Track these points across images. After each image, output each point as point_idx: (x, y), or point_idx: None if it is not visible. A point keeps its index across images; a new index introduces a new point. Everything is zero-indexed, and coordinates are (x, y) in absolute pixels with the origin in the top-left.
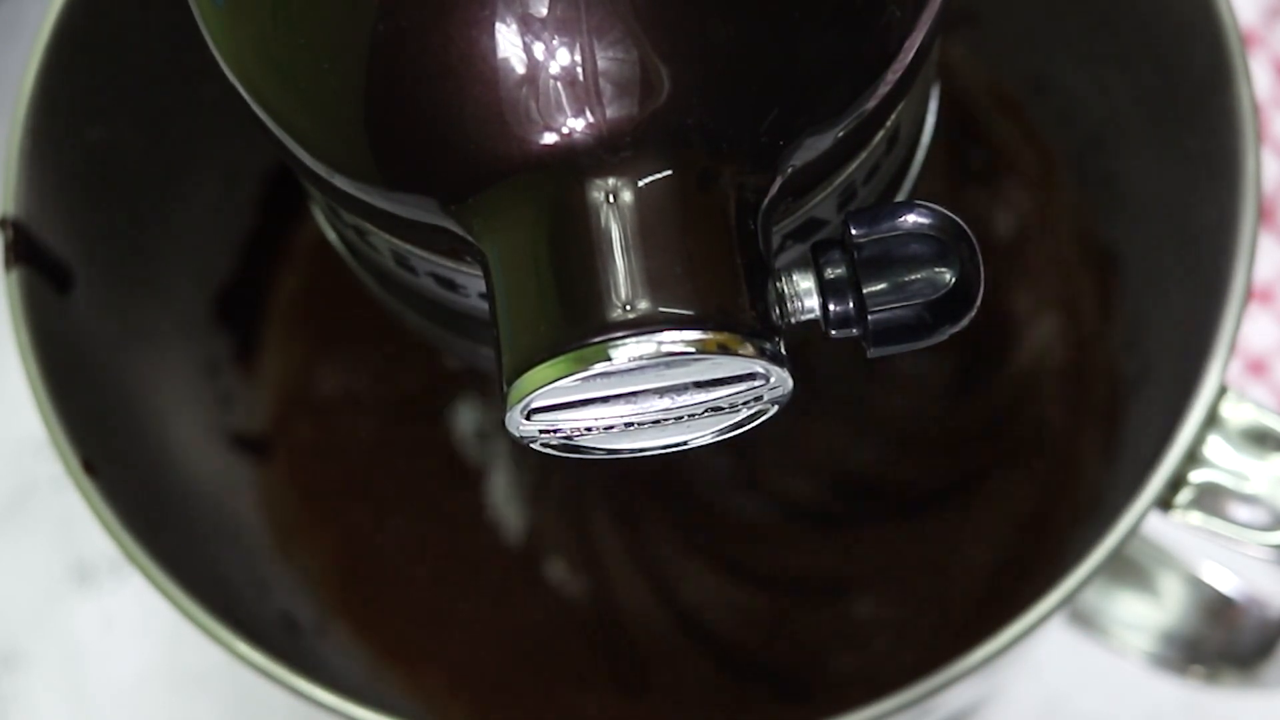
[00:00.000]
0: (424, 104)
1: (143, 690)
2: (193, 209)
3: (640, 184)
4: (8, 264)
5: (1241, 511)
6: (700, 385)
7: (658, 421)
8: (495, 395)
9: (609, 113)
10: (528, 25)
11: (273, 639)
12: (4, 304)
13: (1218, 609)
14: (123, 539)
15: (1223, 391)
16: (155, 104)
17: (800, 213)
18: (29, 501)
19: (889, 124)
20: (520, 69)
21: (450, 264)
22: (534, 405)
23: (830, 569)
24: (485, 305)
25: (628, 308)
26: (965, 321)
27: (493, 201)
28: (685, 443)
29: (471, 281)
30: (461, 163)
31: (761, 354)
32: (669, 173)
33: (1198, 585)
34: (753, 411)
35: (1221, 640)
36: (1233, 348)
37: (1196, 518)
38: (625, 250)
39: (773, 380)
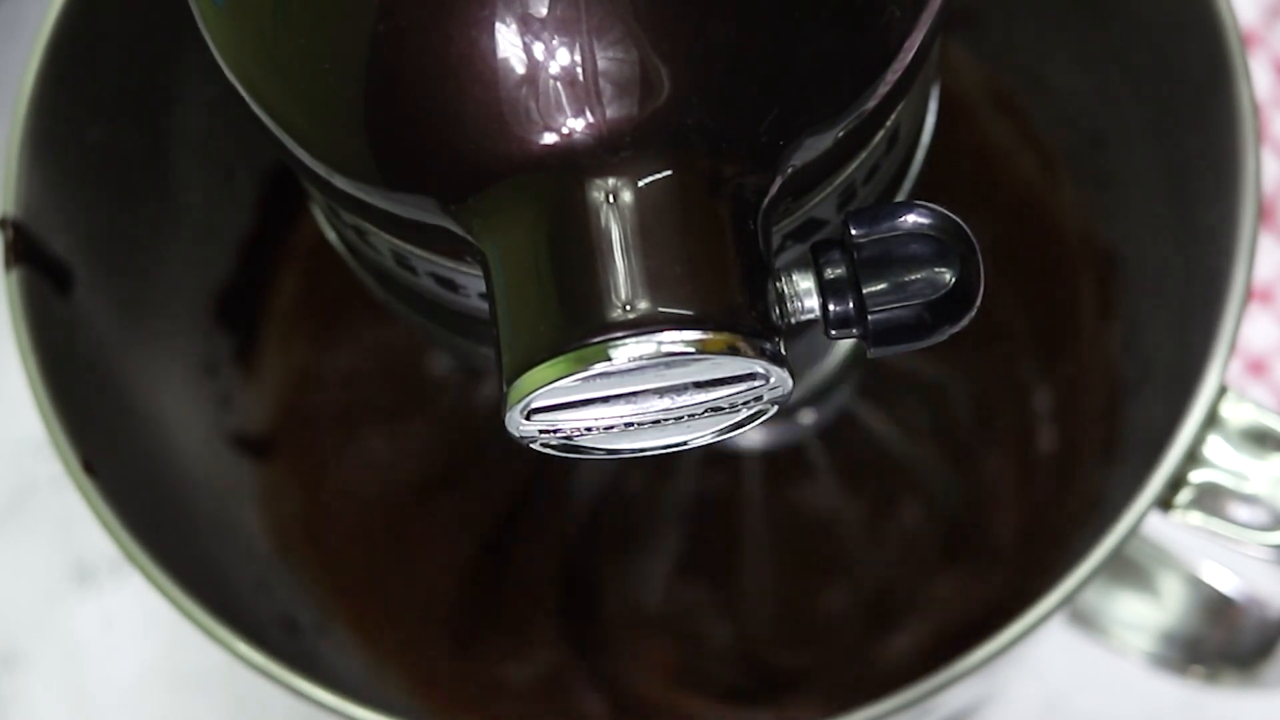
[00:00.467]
0: (424, 104)
1: (143, 690)
2: (193, 209)
3: (640, 184)
4: (8, 264)
5: (1241, 511)
6: (700, 385)
7: (658, 421)
8: (496, 394)
9: (609, 113)
10: (528, 25)
11: (273, 639)
12: (4, 304)
13: (1218, 609)
14: (123, 539)
15: (1223, 391)
16: (155, 104)
17: (800, 213)
18: (29, 501)
19: (889, 124)
20: (520, 69)
21: (450, 264)
22: (534, 405)
23: (830, 567)
24: (485, 305)
25: (628, 308)
26: (965, 321)
27: (493, 201)
28: (685, 443)
29: (471, 281)
30: (461, 163)
31: (761, 354)
32: (669, 173)
33: (1198, 585)
34: (753, 411)
35: (1221, 640)
36: (1233, 348)
37: (1196, 518)
38: (625, 250)
39: (773, 380)
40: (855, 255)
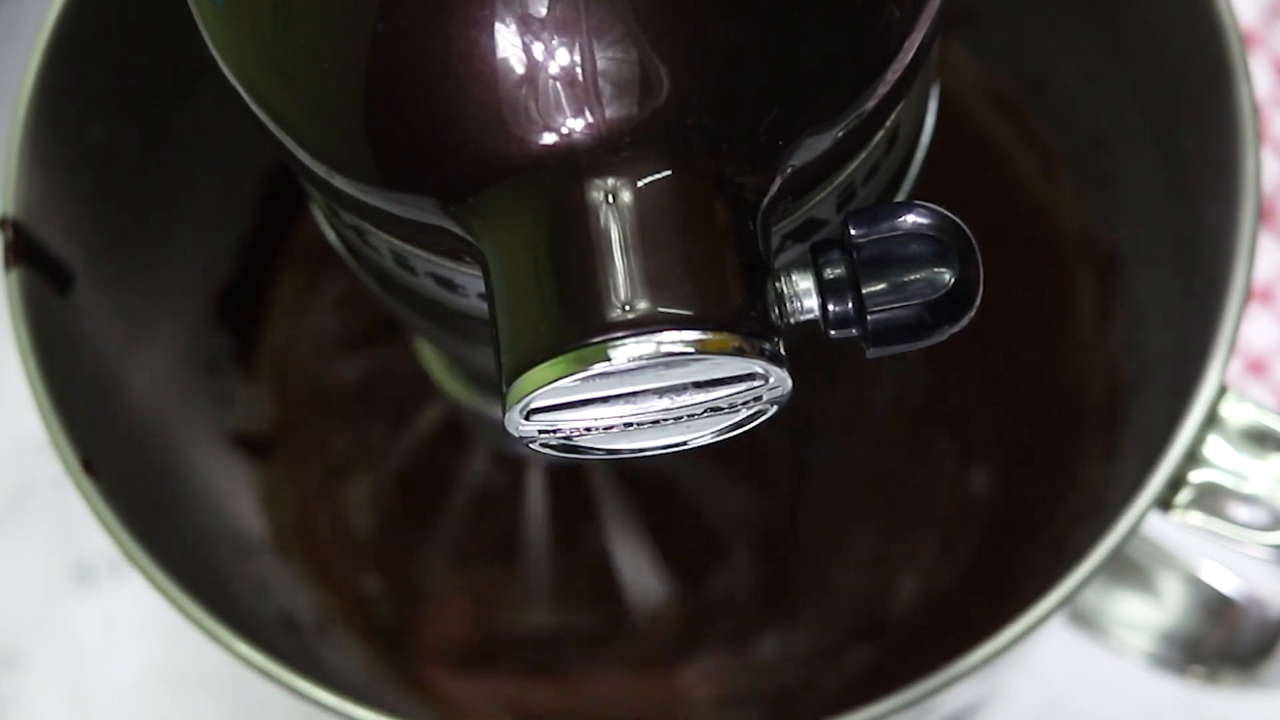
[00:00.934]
0: (424, 104)
1: (143, 690)
2: (192, 209)
3: (640, 184)
4: (8, 264)
5: (1241, 511)
6: (700, 385)
7: (657, 421)
8: (496, 395)
9: (608, 113)
10: (527, 25)
11: (273, 639)
12: (4, 304)
13: (1218, 609)
14: (123, 539)
15: (1223, 391)
16: (155, 104)
17: (800, 213)
18: (29, 501)
19: (889, 124)
20: (520, 69)
21: (450, 264)
22: (533, 405)
23: (832, 566)
24: (485, 305)
25: (627, 308)
26: (965, 321)
27: (492, 202)
28: (685, 443)
29: (471, 281)
30: (461, 163)
31: (761, 354)
32: (668, 173)
33: (1198, 585)
34: (752, 412)
35: (1221, 640)
36: (1233, 348)
37: (1196, 518)
38: (625, 250)
39: (772, 380)
40: (855, 255)
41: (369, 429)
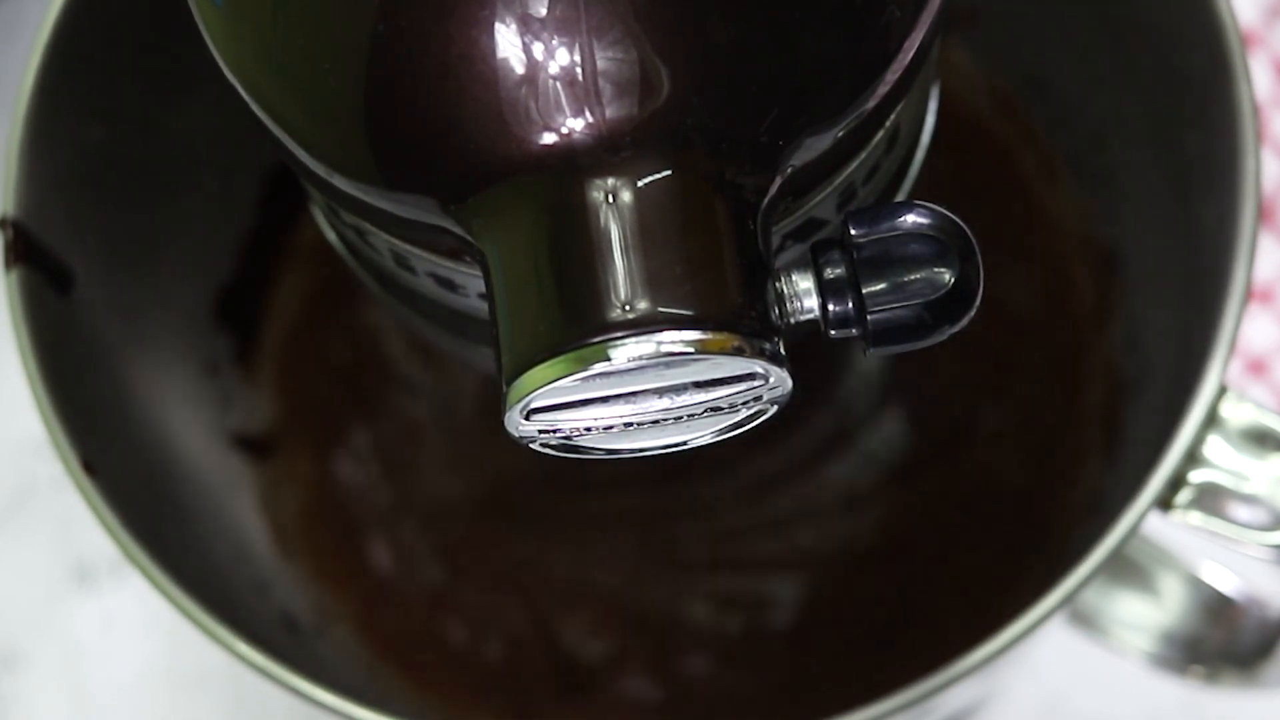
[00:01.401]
0: (424, 104)
1: (143, 690)
2: (193, 209)
3: (640, 184)
4: (8, 264)
5: (1241, 511)
6: (700, 385)
7: (657, 421)
8: (497, 394)
9: (609, 113)
10: (527, 25)
11: (273, 639)
12: (4, 304)
13: (1218, 609)
14: (123, 539)
15: (1223, 391)
16: (155, 104)
17: (800, 213)
18: (29, 501)
19: (889, 124)
20: (520, 69)
21: (450, 264)
22: (533, 405)
23: (832, 566)
24: (485, 305)
25: (627, 308)
26: (965, 321)
27: (492, 202)
28: (685, 443)
29: (471, 281)
30: (461, 163)
31: (761, 354)
32: (669, 173)
33: (1198, 585)
34: (752, 411)
35: (1221, 640)
36: (1233, 348)
37: (1196, 518)
38: (625, 250)
39: (772, 380)
40: (855, 255)
41: (369, 428)
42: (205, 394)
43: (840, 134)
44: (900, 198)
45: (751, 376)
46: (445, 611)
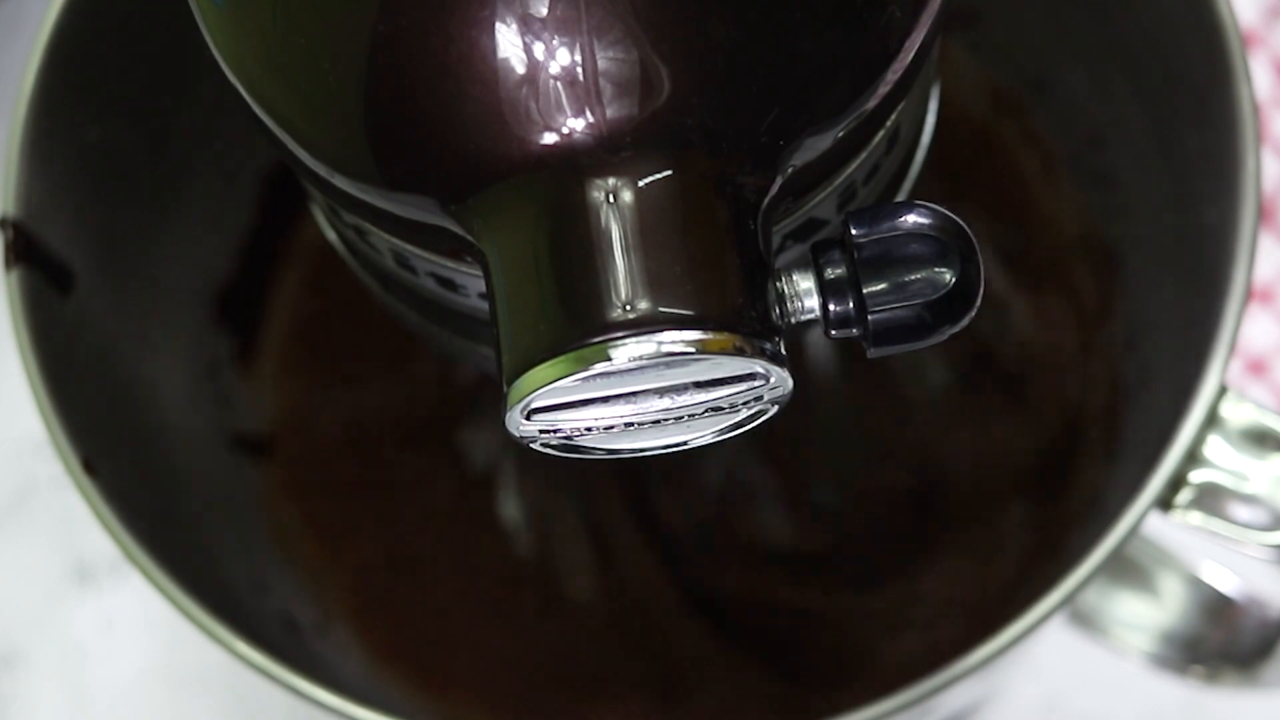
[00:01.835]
0: (424, 104)
1: (143, 690)
2: (193, 209)
3: (640, 184)
4: (8, 264)
5: (1241, 511)
6: (700, 385)
7: (658, 421)
8: (497, 395)
9: (609, 113)
10: (528, 25)
11: (273, 639)
12: (4, 304)
13: (1218, 609)
14: (123, 539)
15: (1223, 391)
16: (155, 104)
17: (800, 213)
18: (29, 501)
19: (889, 124)
20: (520, 69)
21: (450, 264)
22: (534, 405)
23: (831, 567)
24: (485, 305)
25: (628, 308)
26: (965, 321)
27: (493, 202)
28: (685, 443)
29: (471, 281)
30: (461, 163)
31: (761, 354)
32: (669, 173)
33: (1198, 585)
34: (753, 411)
35: (1221, 640)
36: (1233, 348)
37: (1196, 518)
38: (625, 250)
39: (773, 380)
40: (855, 255)
41: (369, 428)
42: (205, 394)
43: (841, 134)
44: (900, 198)
45: (752, 376)
46: (445, 611)
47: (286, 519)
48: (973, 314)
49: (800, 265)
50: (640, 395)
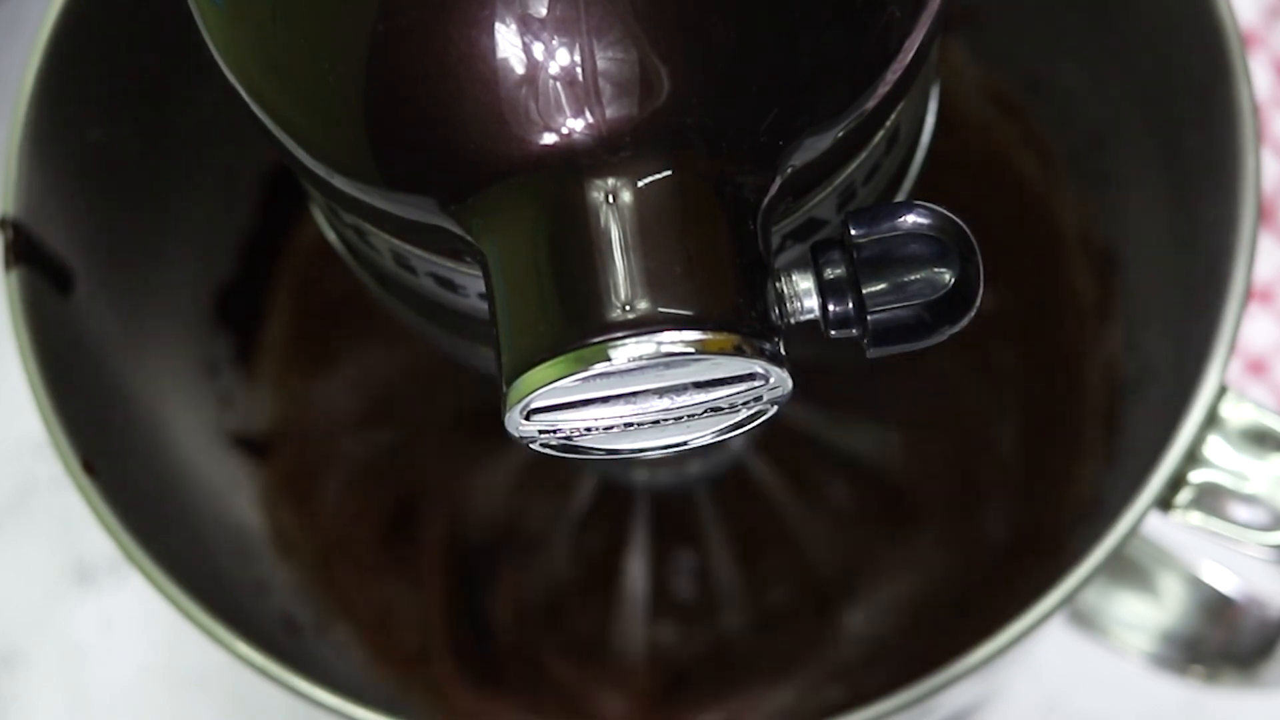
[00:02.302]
0: (423, 104)
1: (143, 690)
2: (192, 209)
3: (640, 184)
4: (8, 264)
5: (1241, 511)
6: (700, 385)
7: (657, 422)
8: (496, 395)
9: (609, 113)
10: (527, 25)
11: (273, 639)
12: (4, 304)
13: (1218, 609)
14: (123, 539)
15: (1223, 391)
16: (155, 104)
17: (800, 213)
18: (29, 501)
19: (889, 124)
20: (520, 69)
21: (450, 264)
22: (533, 405)
23: (832, 567)
24: (485, 305)
25: (627, 308)
26: (965, 322)
27: (492, 201)
28: (685, 443)
29: (471, 281)
30: (461, 163)
31: (761, 354)
32: (669, 173)
33: (1198, 585)
34: (752, 412)
35: (1221, 640)
36: (1233, 348)
37: (1196, 518)
38: (625, 250)
39: (772, 380)
40: (855, 255)
41: (368, 428)
42: (205, 394)
43: (840, 134)
44: (900, 198)
45: (752, 376)
46: (445, 611)
47: (286, 519)
48: (972, 314)
49: (800, 265)
50: (640, 395)
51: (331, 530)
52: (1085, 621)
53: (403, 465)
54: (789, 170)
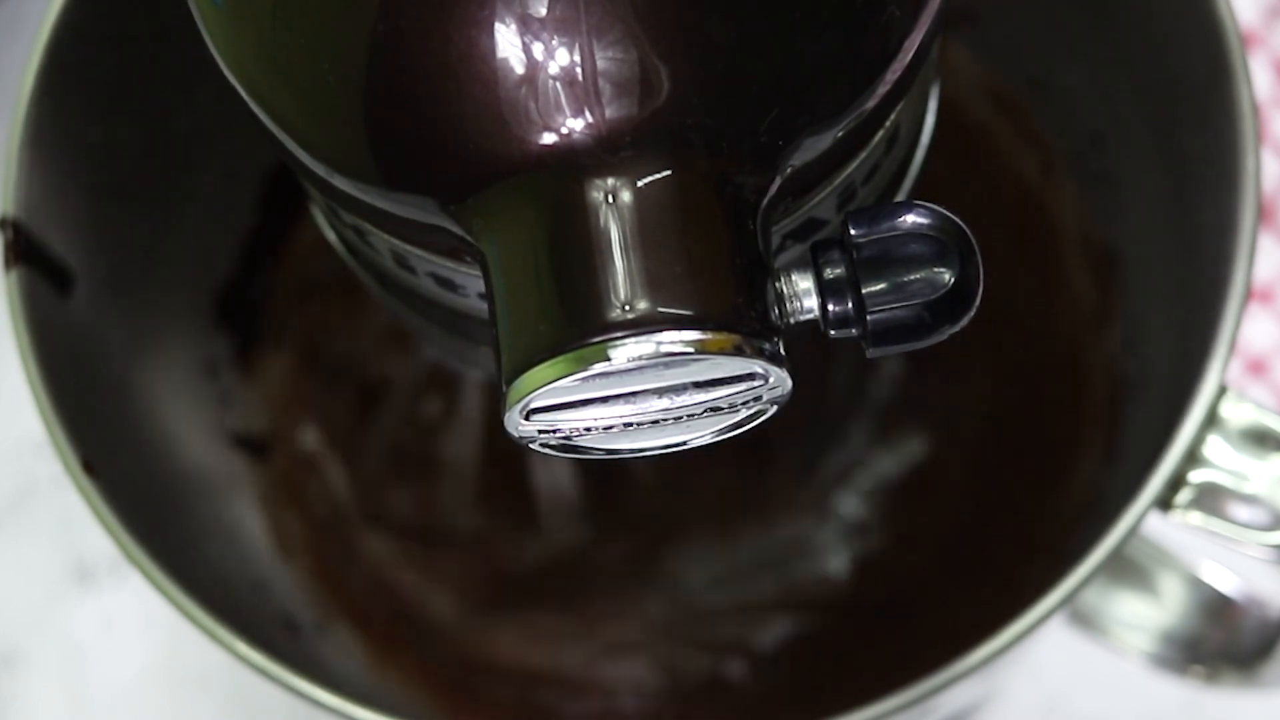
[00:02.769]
0: (423, 104)
1: (143, 690)
2: (193, 209)
3: (640, 184)
4: (8, 264)
5: (1241, 511)
6: (699, 385)
7: (657, 421)
8: (496, 395)
9: (609, 113)
10: (527, 25)
11: (273, 639)
12: (4, 304)
13: (1218, 609)
14: (123, 539)
15: (1223, 391)
16: (155, 104)
17: (800, 213)
18: (29, 501)
19: (889, 124)
20: (520, 69)
21: (450, 264)
22: (533, 405)
23: (831, 567)
24: (485, 305)
25: (627, 308)
26: (964, 321)
27: (492, 202)
28: (685, 443)
29: (471, 281)
30: (461, 163)
31: (760, 354)
32: (668, 173)
33: (1198, 585)
34: (752, 412)
35: (1221, 640)
36: (1233, 348)
37: (1196, 518)
38: (624, 250)
39: (772, 380)
40: (855, 255)
41: (369, 428)
42: (205, 394)
43: (840, 134)
44: (900, 198)
45: (751, 376)
46: (445, 611)
47: (286, 519)
48: (972, 314)
49: (800, 265)
50: (639, 395)
51: (331, 530)
52: (1085, 621)
53: (403, 465)
54: (789, 170)
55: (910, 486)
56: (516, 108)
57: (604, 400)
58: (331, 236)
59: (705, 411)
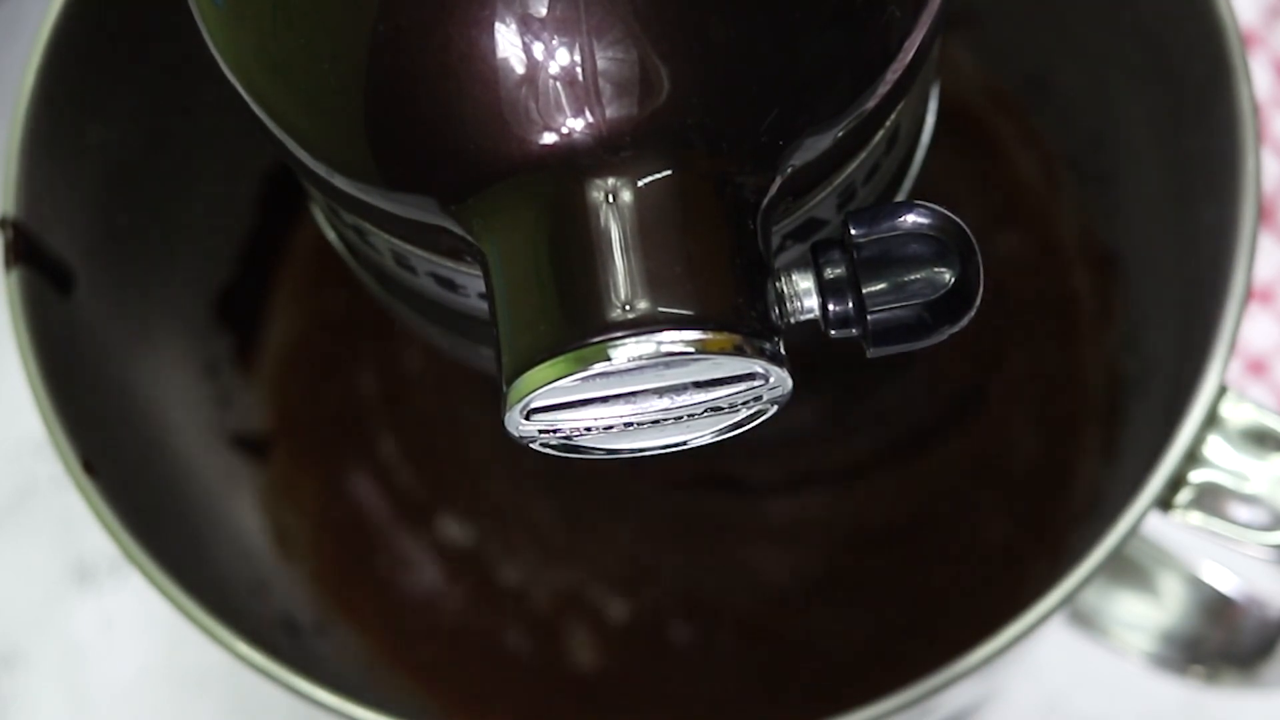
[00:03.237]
0: (424, 104)
1: (143, 690)
2: (193, 209)
3: (640, 184)
4: (8, 264)
5: (1241, 511)
6: (700, 385)
7: (657, 421)
8: (496, 395)
9: (609, 113)
10: (527, 25)
11: (273, 639)
12: (4, 304)
13: (1218, 609)
14: (123, 539)
15: (1223, 391)
16: (155, 104)
17: (800, 213)
18: (29, 501)
19: (889, 124)
20: (520, 69)
21: (450, 264)
22: (533, 405)
23: (832, 566)
24: (485, 305)
25: (627, 308)
26: (965, 321)
27: (492, 202)
28: (685, 443)
29: (471, 281)
30: (461, 163)
31: (761, 354)
32: (669, 173)
33: (1198, 585)
34: (752, 411)
35: (1221, 640)
36: (1233, 348)
37: (1196, 518)
38: (625, 250)
39: (772, 380)
40: (855, 255)
41: (368, 428)
42: (205, 394)
43: (840, 134)
44: (900, 198)
45: (751, 376)
46: (445, 611)
47: (286, 519)
48: (972, 314)
49: (800, 265)
50: (640, 395)
51: (331, 530)
52: (1085, 621)
53: (404, 464)
54: (789, 170)
55: (909, 486)
56: (517, 108)
57: (604, 400)
58: (331, 236)
59: (705, 411)
